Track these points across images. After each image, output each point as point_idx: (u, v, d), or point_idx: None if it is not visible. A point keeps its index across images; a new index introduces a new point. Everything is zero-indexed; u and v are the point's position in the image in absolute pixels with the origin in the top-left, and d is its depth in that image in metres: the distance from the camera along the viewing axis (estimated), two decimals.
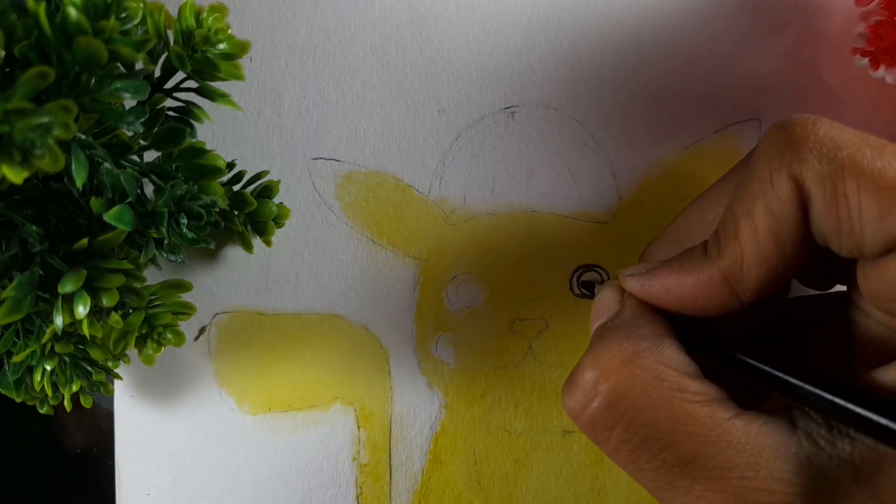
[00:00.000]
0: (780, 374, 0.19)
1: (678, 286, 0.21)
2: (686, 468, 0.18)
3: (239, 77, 0.23)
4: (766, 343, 0.23)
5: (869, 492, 0.17)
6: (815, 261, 0.20)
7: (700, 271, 0.20)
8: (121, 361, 0.26)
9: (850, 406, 0.17)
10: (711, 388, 0.19)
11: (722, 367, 0.21)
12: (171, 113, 0.25)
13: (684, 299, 0.21)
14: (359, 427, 0.32)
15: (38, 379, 0.25)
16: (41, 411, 0.27)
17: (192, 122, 0.25)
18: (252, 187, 0.29)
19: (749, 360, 0.20)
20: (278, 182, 0.30)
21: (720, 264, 0.20)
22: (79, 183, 0.19)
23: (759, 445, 0.18)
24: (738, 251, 0.19)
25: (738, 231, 0.19)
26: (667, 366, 0.19)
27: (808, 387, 0.18)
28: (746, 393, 0.21)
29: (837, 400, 0.17)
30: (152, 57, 0.23)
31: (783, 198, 0.19)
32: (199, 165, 0.24)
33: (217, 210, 0.25)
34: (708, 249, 0.20)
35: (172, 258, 0.25)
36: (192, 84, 0.24)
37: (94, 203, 0.21)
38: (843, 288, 0.22)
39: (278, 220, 0.30)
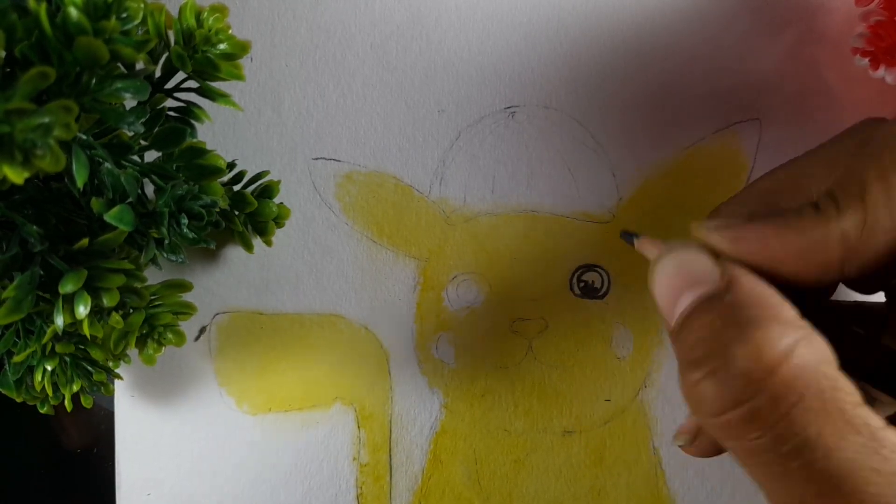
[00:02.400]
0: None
1: (783, 243, 0.18)
2: (842, 480, 0.16)
3: (239, 77, 0.23)
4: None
5: None
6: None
7: (815, 228, 0.18)
8: (121, 361, 0.26)
9: None
10: (856, 388, 0.17)
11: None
12: (171, 113, 0.25)
13: (787, 260, 0.18)
14: (359, 427, 0.32)
15: (39, 379, 0.25)
16: (41, 411, 0.27)
17: (193, 122, 0.25)
18: (252, 187, 0.29)
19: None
20: (278, 182, 0.30)
21: (843, 223, 0.18)
22: (79, 183, 0.19)
23: None
24: (861, 213, 0.17)
25: (865, 193, 0.17)
26: (825, 360, 0.17)
27: None
28: None
29: None
30: (153, 57, 0.23)
31: None
32: (199, 165, 0.24)
33: (217, 210, 0.25)
34: (822, 207, 0.18)
35: (173, 258, 0.25)
36: (192, 84, 0.24)
37: (95, 203, 0.21)
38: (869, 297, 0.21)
39: (278, 220, 0.30)
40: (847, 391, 0.16)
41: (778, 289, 0.18)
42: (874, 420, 0.16)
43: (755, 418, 0.17)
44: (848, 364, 0.18)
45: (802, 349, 0.17)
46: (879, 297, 0.21)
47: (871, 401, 0.17)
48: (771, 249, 0.18)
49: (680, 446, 0.22)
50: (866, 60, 0.28)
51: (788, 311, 0.17)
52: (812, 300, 0.19)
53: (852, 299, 0.22)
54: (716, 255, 0.19)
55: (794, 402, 0.16)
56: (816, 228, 0.18)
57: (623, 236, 0.24)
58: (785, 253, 0.18)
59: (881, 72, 0.28)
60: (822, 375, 0.16)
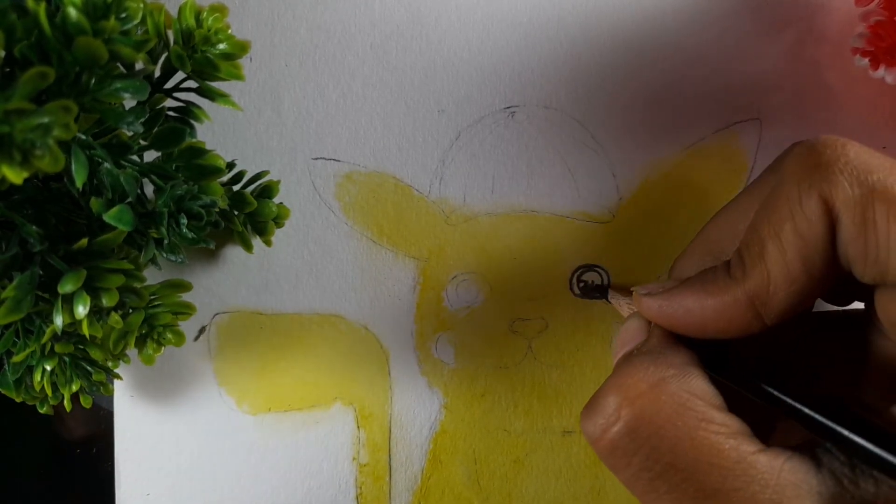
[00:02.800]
0: (803, 408, 0.19)
1: (700, 308, 0.20)
2: (707, 501, 0.18)
3: (239, 77, 0.23)
4: (780, 361, 0.23)
5: None
6: (836, 280, 0.19)
7: (724, 293, 0.20)
8: (121, 361, 0.26)
9: (874, 448, 0.17)
10: (736, 420, 0.19)
11: (744, 394, 0.20)
12: (171, 113, 0.25)
13: (706, 321, 0.20)
14: (359, 427, 0.32)
15: (38, 379, 0.25)
16: (41, 411, 0.27)
17: (192, 122, 0.25)
18: (252, 187, 0.29)
19: (772, 390, 0.19)
20: (278, 182, 0.30)
21: (746, 286, 0.19)
22: (79, 183, 0.19)
23: (782, 482, 0.17)
24: (764, 273, 0.19)
25: (764, 252, 0.19)
26: (693, 394, 0.19)
27: (831, 424, 0.18)
28: (766, 421, 0.20)
29: (860, 441, 0.17)
30: (152, 57, 0.23)
31: (813, 219, 0.18)
32: (199, 165, 0.24)
33: (217, 210, 0.25)
34: (731, 270, 0.20)
35: (172, 258, 0.25)
36: (192, 84, 0.24)
37: (94, 203, 0.21)
38: (859, 305, 0.22)
39: (278, 220, 0.30)
40: (717, 422, 0.18)
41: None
42: (746, 447, 0.18)
43: (618, 446, 0.19)
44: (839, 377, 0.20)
45: (669, 386, 0.19)
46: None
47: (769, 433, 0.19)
48: (691, 314, 0.20)
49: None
50: (866, 60, 0.28)
51: (676, 356, 0.20)
52: (792, 324, 0.20)
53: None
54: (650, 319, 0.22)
55: (651, 432, 0.18)
56: (727, 292, 0.20)
57: (588, 294, 0.29)
58: (704, 316, 0.20)
59: (881, 72, 0.28)
60: (686, 409, 0.18)
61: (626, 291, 0.28)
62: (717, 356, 0.21)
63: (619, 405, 0.19)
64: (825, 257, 0.18)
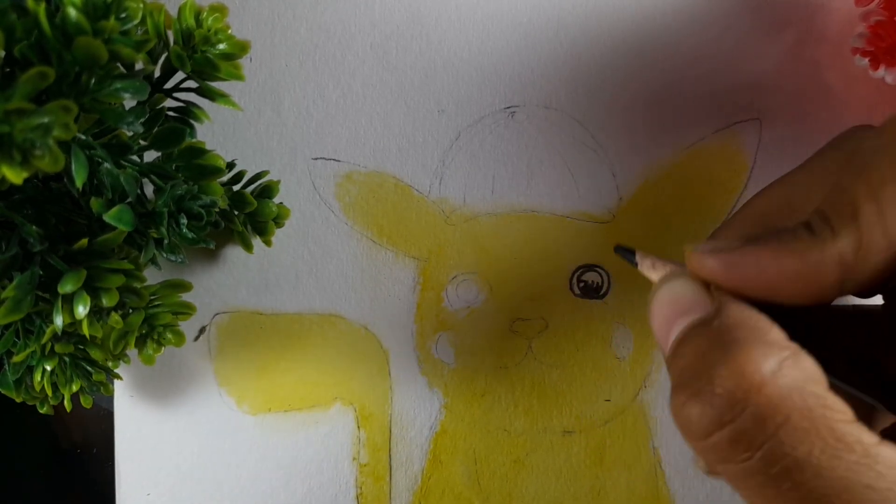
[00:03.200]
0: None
1: (779, 267, 0.18)
2: (835, 500, 0.16)
3: (239, 77, 0.23)
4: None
5: None
6: None
7: (811, 252, 0.18)
8: (121, 361, 0.26)
9: None
10: (848, 406, 0.17)
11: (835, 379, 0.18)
12: (171, 113, 0.25)
13: (781, 283, 0.18)
14: (359, 427, 0.32)
15: (38, 379, 0.25)
16: (41, 411, 0.27)
17: (192, 122, 0.25)
18: (252, 187, 0.29)
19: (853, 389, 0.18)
20: (278, 182, 0.30)
21: (838, 245, 0.18)
22: (79, 183, 0.19)
23: None
24: (857, 234, 0.17)
25: (858, 213, 0.17)
26: (812, 379, 0.17)
27: None
28: None
29: None
30: (152, 57, 0.23)
31: None
32: (199, 165, 0.24)
33: (217, 210, 0.25)
34: (815, 230, 0.18)
35: (172, 258, 0.25)
36: (192, 84, 0.24)
37: (94, 203, 0.21)
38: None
39: (278, 220, 0.30)
40: (837, 409, 0.16)
41: (774, 307, 0.18)
42: (867, 437, 0.16)
43: (741, 440, 0.17)
44: (845, 374, 0.18)
45: (788, 369, 0.17)
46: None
47: (866, 415, 0.17)
48: (768, 274, 0.18)
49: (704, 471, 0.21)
50: (866, 60, 0.28)
51: (776, 333, 0.18)
52: (804, 314, 0.19)
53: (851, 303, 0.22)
54: (706, 283, 0.19)
55: (780, 422, 0.16)
56: (812, 251, 0.18)
57: (618, 251, 0.24)
58: (782, 277, 0.18)
59: (881, 72, 0.28)
60: (809, 394, 0.16)
61: (628, 252, 0.25)
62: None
63: (743, 393, 0.17)
64: None
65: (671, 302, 0.20)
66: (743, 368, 0.17)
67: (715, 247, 0.19)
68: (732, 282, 0.19)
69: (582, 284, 0.32)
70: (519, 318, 0.32)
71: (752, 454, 0.17)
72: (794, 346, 0.17)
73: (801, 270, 0.18)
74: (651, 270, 0.22)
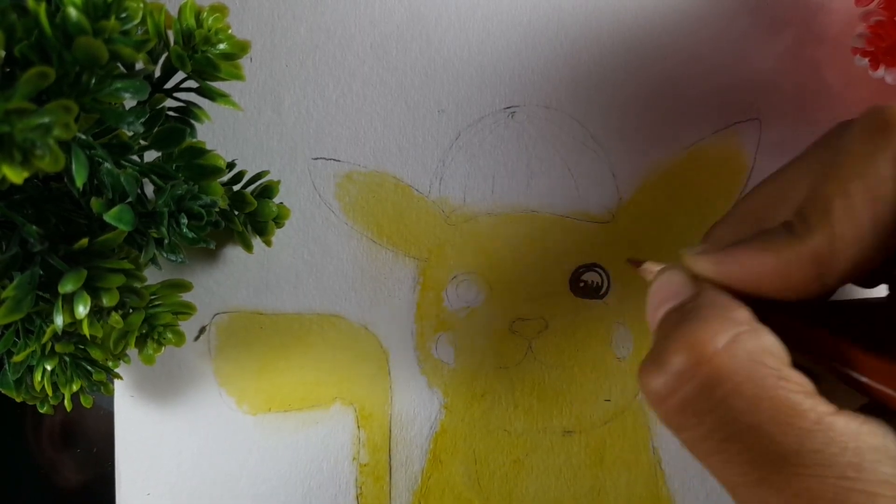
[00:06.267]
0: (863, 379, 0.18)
1: (759, 265, 0.19)
2: (783, 463, 0.17)
3: (239, 77, 0.23)
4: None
5: None
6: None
7: (786, 249, 0.19)
8: (121, 361, 0.26)
9: None
10: (808, 380, 0.18)
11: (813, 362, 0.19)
12: (171, 113, 0.25)
13: (764, 280, 0.19)
14: (359, 427, 0.32)
15: (39, 379, 0.25)
16: (41, 411, 0.27)
17: (193, 122, 0.25)
18: (252, 187, 0.29)
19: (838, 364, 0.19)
20: (278, 182, 0.30)
21: (810, 243, 0.19)
22: (79, 183, 0.19)
23: (862, 446, 0.17)
24: (830, 230, 0.18)
25: (830, 209, 0.18)
26: (768, 351, 0.18)
27: None
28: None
29: None
30: (152, 57, 0.23)
31: (885, 177, 0.18)
32: (199, 165, 0.24)
33: (217, 210, 0.25)
34: (793, 228, 0.19)
35: (172, 258, 0.25)
36: (192, 84, 0.24)
37: (95, 203, 0.21)
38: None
39: (278, 220, 0.30)
40: (794, 380, 0.18)
41: (781, 303, 0.19)
42: (823, 407, 0.17)
43: (687, 407, 0.18)
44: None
45: (743, 342, 0.18)
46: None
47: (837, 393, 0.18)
48: (750, 272, 0.20)
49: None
50: (866, 60, 0.28)
51: (741, 312, 0.19)
52: (809, 307, 0.20)
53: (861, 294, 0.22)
54: (696, 276, 0.21)
55: (728, 390, 0.18)
56: (789, 249, 0.19)
57: (630, 263, 0.26)
58: (763, 274, 0.20)
59: (881, 72, 0.28)
60: (762, 366, 0.18)
61: (639, 263, 0.27)
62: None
63: (693, 362, 0.18)
64: (894, 217, 0.18)
65: (660, 289, 0.22)
66: (695, 340, 0.18)
67: (704, 249, 0.21)
68: (721, 279, 0.20)
69: (582, 284, 0.32)
70: (519, 318, 0.32)
71: (702, 419, 0.18)
72: (755, 324, 0.19)
73: (777, 267, 0.19)
74: (645, 272, 0.24)
